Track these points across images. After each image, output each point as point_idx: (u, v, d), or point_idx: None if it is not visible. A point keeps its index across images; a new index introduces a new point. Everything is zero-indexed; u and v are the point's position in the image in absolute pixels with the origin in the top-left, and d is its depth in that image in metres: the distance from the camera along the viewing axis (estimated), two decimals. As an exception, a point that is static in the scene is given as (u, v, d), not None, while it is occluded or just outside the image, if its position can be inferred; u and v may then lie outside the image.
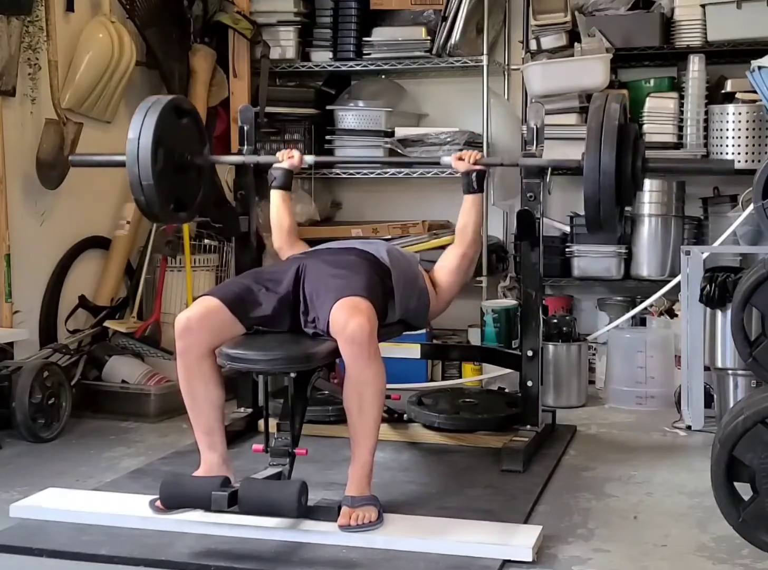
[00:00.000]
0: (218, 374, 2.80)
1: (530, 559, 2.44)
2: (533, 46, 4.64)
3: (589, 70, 4.39)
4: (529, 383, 3.35)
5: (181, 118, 3.25)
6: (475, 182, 3.28)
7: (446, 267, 3.32)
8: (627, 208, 3.36)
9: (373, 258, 3.06)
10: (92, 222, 4.32)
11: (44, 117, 3.94)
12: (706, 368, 3.66)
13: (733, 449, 2.43)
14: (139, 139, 3.05)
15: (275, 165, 3.46)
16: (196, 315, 2.75)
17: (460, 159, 3.31)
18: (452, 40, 4.57)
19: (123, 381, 4.02)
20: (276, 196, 3.46)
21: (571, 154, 4.43)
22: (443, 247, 4.42)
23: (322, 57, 4.85)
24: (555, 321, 4.27)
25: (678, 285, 3.98)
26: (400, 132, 4.66)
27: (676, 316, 4.25)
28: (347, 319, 2.63)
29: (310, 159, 3.54)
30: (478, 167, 3.29)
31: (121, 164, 3.12)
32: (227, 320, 2.79)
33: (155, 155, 3.06)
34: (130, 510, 2.71)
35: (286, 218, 3.45)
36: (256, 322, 2.83)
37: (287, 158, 3.46)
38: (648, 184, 4.48)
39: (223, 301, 2.80)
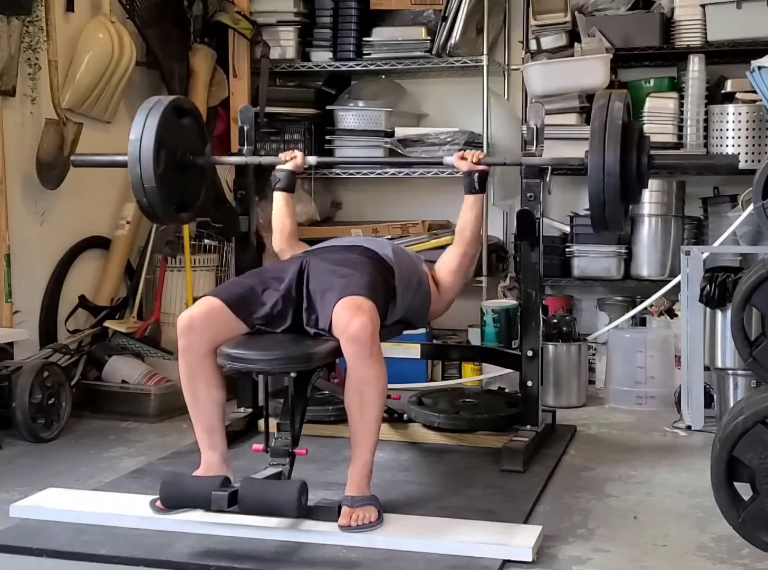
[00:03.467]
0: (220, 374, 2.80)
1: (530, 559, 2.44)
2: (533, 46, 4.64)
3: (589, 70, 4.39)
4: (529, 383, 3.35)
5: (182, 118, 3.25)
6: (477, 182, 3.28)
7: (447, 267, 3.32)
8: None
9: (376, 256, 3.06)
10: (92, 222, 4.32)
11: (44, 117, 3.94)
12: (706, 368, 3.66)
13: (733, 449, 2.43)
14: (141, 140, 3.05)
15: (278, 166, 3.45)
16: (199, 314, 2.76)
17: (463, 158, 3.31)
18: (452, 40, 4.57)
19: (123, 381, 4.02)
20: (279, 198, 3.45)
21: (571, 154, 4.42)
22: (443, 247, 4.43)
23: (322, 57, 4.85)
24: (555, 321, 4.27)
25: (678, 285, 3.98)
26: (400, 132, 4.66)
27: (676, 316, 4.25)
28: (350, 318, 2.63)
29: (312, 160, 3.53)
30: (480, 167, 3.29)
31: (123, 165, 3.12)
32: (229, 320, 2.79)
33: (157, 157, 3.06)
34: (130, 510, 2.71)
35: (289, 221, 3.44)
36: (258, 322, 2.83)
37: (290, 159, 3.45)
38: (648, 183, 4.47)
39: (225, 301, 2.80)
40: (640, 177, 2.99)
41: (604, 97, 2.99)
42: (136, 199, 3.14)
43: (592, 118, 2.96)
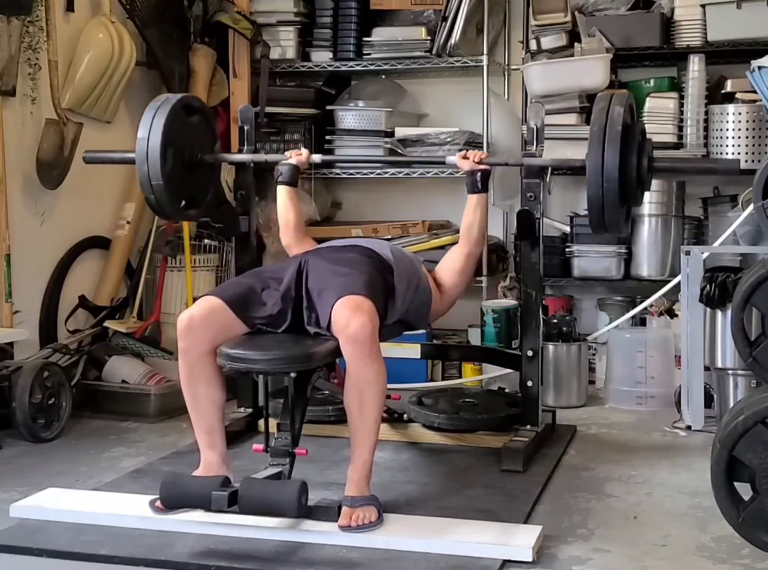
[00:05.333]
0: (220, 374, 2.81)
1: (530, 559, 2.44)
2: (533, 46, 4.64)
3: (589, 70, 4.39)
4: (529, 383, 3.35)
5: (190, 115, 3.26)
6: (480, 182, 3.28)
7: (451, 267, 3.32)
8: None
9: (375, 255, 3.06)
10: (92, 222, 4.32)
11: (44, 117, 3.94)
12: (706, 368, 3.66)
13: (733, 449, 2.43)
14: (148, 138, 3.07)
15: (282, 162, 3.46)
16: (198, 314, 2.76)
17: (465, 158, 3.31)
18: (452, 40, 4.57)
19: (123, 381, 4.02)
20: (282, 192, 3.45)
21: (572, 154, 4.45)
22: (443, 247, 4.45)
23: (322, 57, 4.85)
24: (555, 321, 4.27)
25: (678, 285, 3.98)
26: (400, 132, 4.66)
27: (676, 316, 4.25)
28: (349, 317, 2.63)
29: (317, 157, 3.54)
30: (482, 167, 3.29)
31: (134, 162, 3.14)
32: (229, 320, 2.79)
33: (164, 154, 3.08)
34: (130, 510, 2.71)
35: (293, 214, 3.44)
36: (258, 322, 2.84)
37: (295, 155, 3.46)
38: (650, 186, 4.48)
39: (225, 300, 2.80)
40: (640, 180, 2.97)
41: (604, 100, 2.97)
42: (144, 195, 3.16)
43: (592, 121, 2.94)
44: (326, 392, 3.53)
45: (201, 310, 2.77)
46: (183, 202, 3.27)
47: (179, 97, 3.21)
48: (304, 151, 3.48)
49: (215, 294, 2.86)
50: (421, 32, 4.68)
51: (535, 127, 3.34)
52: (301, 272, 2.91)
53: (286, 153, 3.51)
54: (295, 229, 3.44)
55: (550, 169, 3.32)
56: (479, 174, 3.28)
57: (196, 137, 3.31)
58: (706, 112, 4.40)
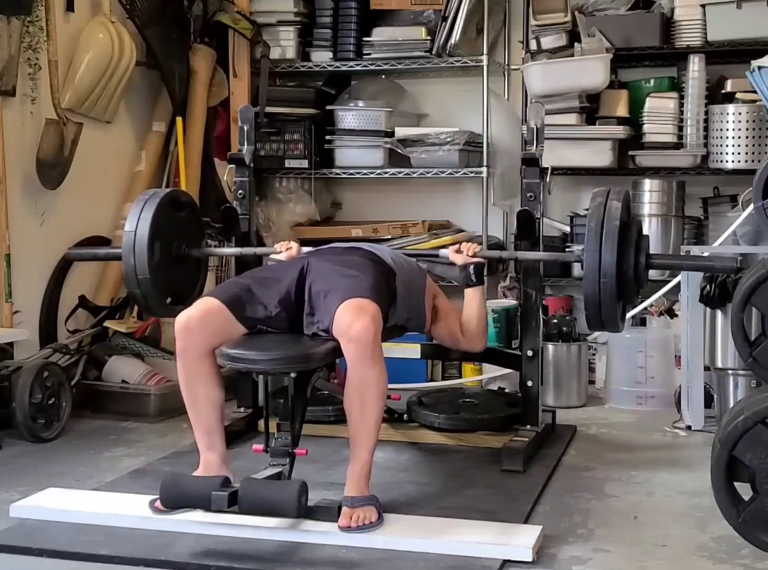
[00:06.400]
0: (218, 374, 2.81)
1: (530, 559, 2.44)
2: (533, 46, 4.64)
3: (589, 70, 4.39)
4: (529, 383, 3.36)
5: (178, 210, 3.26)
6: (474, 275, 3.23)
7: (453, 330, 3.29)
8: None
9: (378, 258, 3.06)
10: (92, 222, 4.32)
11: (44, 117, 3.94)
12: (706, 368, 3.67)
13: (733, 449, 2.43)
14: (135, 231, 3.07)
15: (272, 256, 3.32)
16: (196, 315, 2.75)
17: (458, 252, 3.26)
18: (452, 40, 4.57)
19: (123, 381, 4.02)
20: None
21: (571, 154, 4.48)
22: (443, 247, 4.44)
23: (322, 57, 4.85)
24: (555, 321, 4.27)
25: (678, 285, 3.98)
26: (400, 132, 4.66)
27: (676, 316, 4.25)
28: (352, 319, 2.62)
29: (307, 251, 3.31)
30: (476, 260, 3.23)
31: (120, 257, 3.14)
32: (227, 321, 2.78)
33: (152, 248, 3.07)
34: (130, 510, 2.71)
35: None
36: (256, 323, 2.83)
37: (285, 250, 3.30)
38: (648, 184, 4.48)
39: (224, 301, 2.80)
40: (637, 278, 2.90)
41: (602, 196, 2.89)
42: (128, 290, 3.15)
43: (589, 217, 2.87)
44: (326, 392, 3.53)
45: (199, 311, 2.77)
46: (169, 299, 3.25)
47: (167, 192, 3.23)
48: (294, 246, 3.30)
49: (213, 295, 2.86)
50: (421, 32, 4.68)
51: (535, 127, 3.34)
52: (303, 275, 2.91)
53: (275, 246, 3.36)
54: None
55: (550, 168, 3.32)
56: (472, 267, 3.22)
57: (184, 231, 3.30)
58: (706, 112, 4.40)
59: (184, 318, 2.75)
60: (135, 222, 3.09)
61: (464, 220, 4.95)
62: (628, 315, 4.30)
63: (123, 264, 3.12)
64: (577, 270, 4.63)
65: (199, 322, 2.74)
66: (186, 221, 3.32)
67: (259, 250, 3.60)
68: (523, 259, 3.32)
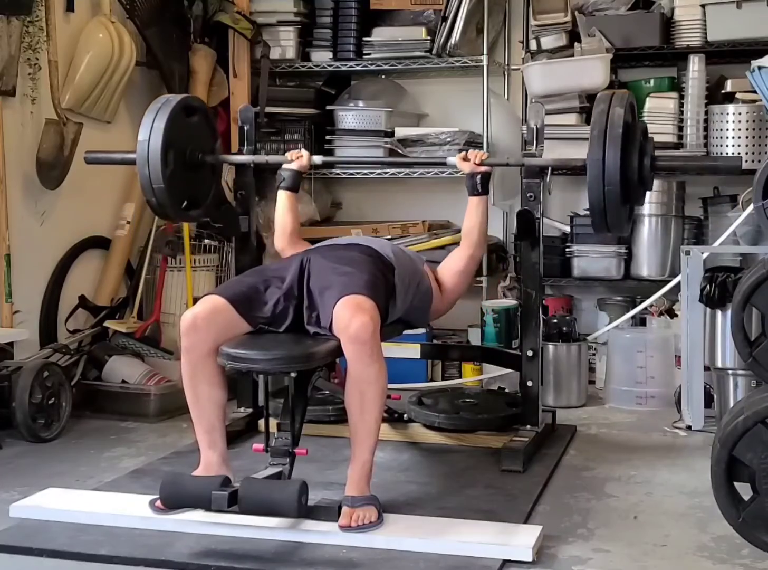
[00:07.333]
0: (222, 374, 2.81)
1: (530, 559, 2.44)
2: (533, 46, 4.64)
3: (589, 70, 4.39)
4: (529, 383, 3.35)
5: (191, 116, 3.26)
6: (480, 184, 3.28)
7: (452, 269, 3.32)
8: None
9: (376, 254, 3.06)
10: (92, 222, 4.32)
11: (44, 117, 3.94)
12: (706, 368, 3.66)
13: (733, 449, 2.43)
14: (149, 141, 3.07)
15: (284, 165, 3.45)
16: (203, 313, 2.76)
17: (465, 159, 3.30)
18: (452, 40, 4.57)
19: (123, 381, 4.02)
20: (283, 197, 3.45)
21: (572, 154, 4.43)
22: (443, 248, 4.45)
23: (322, 57, 4.85)
24: (555, 321, 4.27)
25: (678, 285, 3.98)
26: (400, 132, 4.66)
27: (676, 316, 4.25)
28: (351, 317, 2.63)
29: (318, 159, 3.53)
30: (483, 168, 3.28)
31: (135, 162, 3.15)
32: (233, 319, 2.79)
33: (165, 157, 3.08)
34: (130, 510, 2.71)
35: (291, 220, 3.44)
36: (261, 321, 2.84)
37: (296, 159, 3.44)
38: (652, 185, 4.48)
39: (229, 299, 2.80)
40: (642, 180, 2.96)
41: (604, 101, 2.94)
42: (145, 198, 3.16)
43: (592, 122, 2.91)
44: (326, 392, 3.53)
45: (204, 309, 2.77)
46: (185, 203, 3.26)
47: (179, 98, 3.21)
48: (305, 153, 3.45)
49: (218, 293, 2.86)
50: (421, 32, 4.68)
51: (535, 127, 3.34)
52: (302, 271, 2.91)
53: (286, 154, 3.50)
54: (291, 233, 3.44)
55: (550, 169, 3.32)
56: (479, 176, 3.27)
57: (197, 138, 3.31)
58: (706, 112, 4.40)
59: (190, 316, 2.76)
60: (148, 131, 3.08)
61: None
62: (634, 311, 4.36)
63: (138, 173, 3.13)
64: (577, 270, 4.63)
65: (205, 320, 2.74)
66: (199, 126, 3.31)
67: (271, 158, 3.63)
68: (530, 165, 3.30)
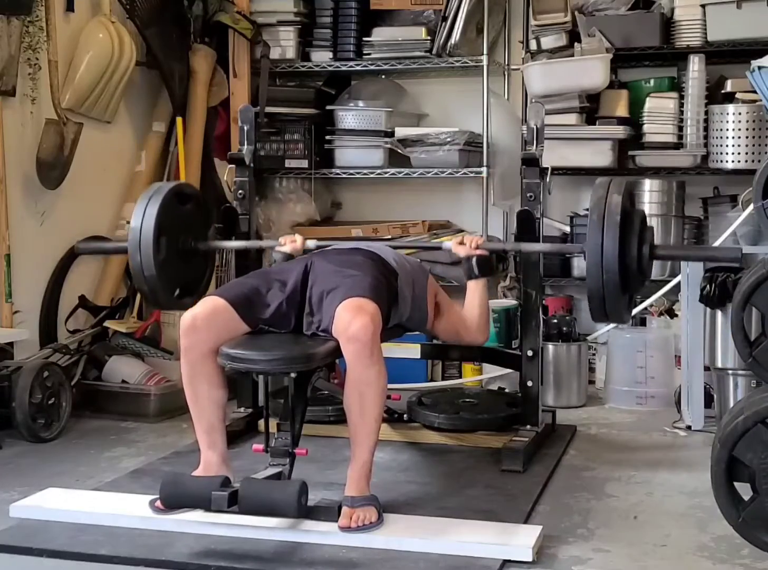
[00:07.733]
0: (221, 374, 2.81)
1: (530, 559, 2.44)
2: (533, 46, 4.64)
3: (589, 70, 4.39)
4: (529, 383, 3.36)
5: (184, 203, 3.23)
6: (476, 268, 3.24)
7: (459, 322, 3.30)
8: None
9: (379, 259, 3.06)
10: (92, 222, 4.32)
11: (44, 117, 3.94)
12: (706, 368, 3.66)
13: (733, 449, 2.43)
14: (141, 228, 3.03)
15: (277, 248, 3.32)
16: (202, 314, 2.76)
17: (461, 243, 3.26)
18: (452, 40, 4.57)
19: (123, 381, 4.02)
20: None
21: (571, 154, 4.48)
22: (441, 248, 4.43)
23: (322, 57, 4.85)
24: (555, 321, 4.27)
25: (678, 285, 3.98)
26: (400, 132, 4.66)
27: (676, 316, 4.25)
28: (351, 319, 2.63)
29: (312, 243, 3.34)
30: (479, 252, 3.24)
31: (127, 251, 3.10)
32: (232, 320, 2.79)
33: (157, 244, 3.04)
34: (130, 510, 2.71)
35: None
36: (261, 323, 2.84)
37: (289, 243, 3.31)
38: (648, 184, 4.48)
39: (229, 301, 2.80)
40: (642, 270, 2.85)
41: (603, 188, 2.83)
42: (136, 285, 3.14)
43: (590, 210, 2.81)
44: (326, 392, 3.53)
45: (204, 309, 2.78)
46: (177, 291, 3.21)
47: (172, 187, 3.18)
48: (298, 238, 3.31)
49: (219, 294, 2.86)
50: (421, 32, 4.68)
51: (535, 127, 3.34)
52: (306, 274, 2.91)
53: (279, 239, 3.36)
54: None
55: (550, 168, 3.32)
56: (475, 259, 3.23)
57: (190, 225, 3.26)
58: (706, 112, 4.40)
59: (190, 316, 2.76)
60: (140, 218, 3.05)
61: (464, 220, 4.95)
62: (634, 311, 4.35)
63: (130, 260, 3.10)
64: (577, 270, 4.63)
65: (205, 320, 2.74)
66: (192, 214, 3.28)
67: (264, 243, 3.59)
68: (526, 251, 3.31)
